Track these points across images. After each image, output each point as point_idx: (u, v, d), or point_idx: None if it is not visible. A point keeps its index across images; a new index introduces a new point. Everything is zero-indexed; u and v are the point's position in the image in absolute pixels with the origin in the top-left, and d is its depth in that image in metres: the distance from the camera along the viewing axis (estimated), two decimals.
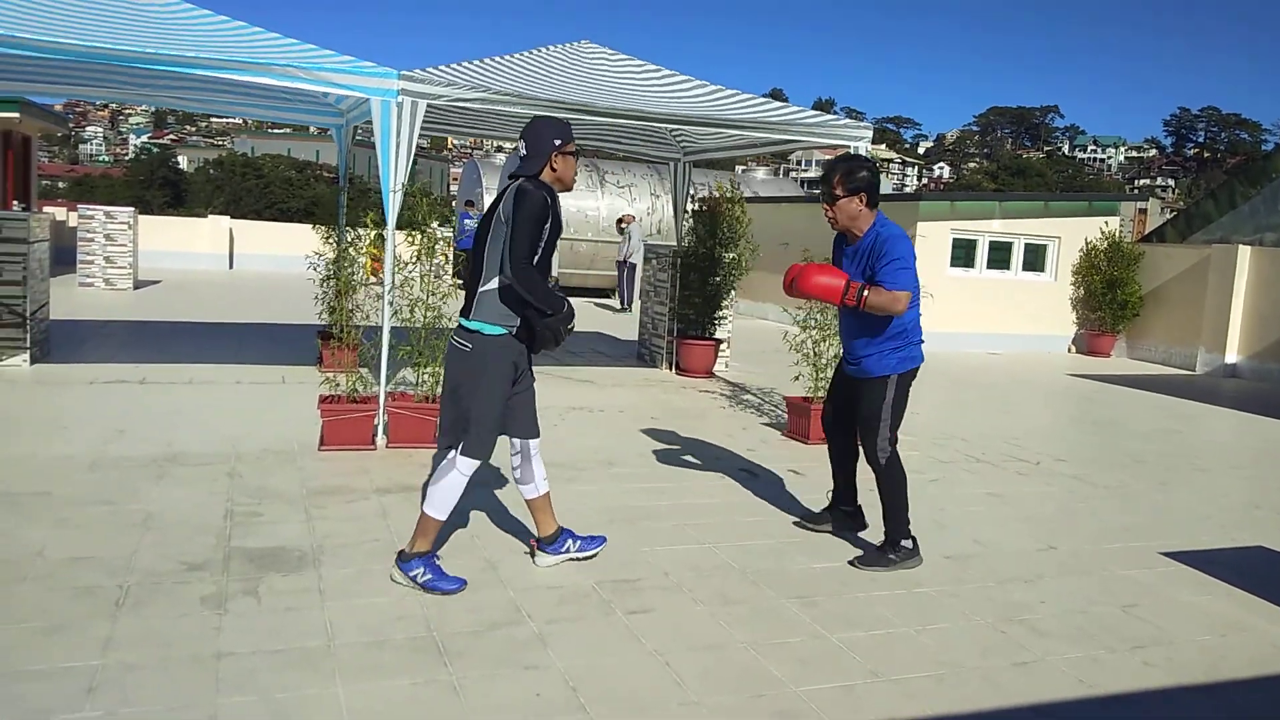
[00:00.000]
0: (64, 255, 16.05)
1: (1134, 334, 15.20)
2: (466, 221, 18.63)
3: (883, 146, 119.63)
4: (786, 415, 7.89)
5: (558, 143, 3.98)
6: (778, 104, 8.60)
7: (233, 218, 24.62)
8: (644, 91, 7.96)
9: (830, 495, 5.19)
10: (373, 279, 8.27)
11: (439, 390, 6.43)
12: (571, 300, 4.03)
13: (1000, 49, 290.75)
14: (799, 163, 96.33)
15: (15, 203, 16.17)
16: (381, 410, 6.30)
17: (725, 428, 7.74)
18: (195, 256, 21.55)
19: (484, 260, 3.95)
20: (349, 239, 8.71)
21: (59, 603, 3.63)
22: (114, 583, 3.85)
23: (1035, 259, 15.45)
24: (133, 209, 16.56)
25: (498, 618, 3.77)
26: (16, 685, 3.03)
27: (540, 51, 8.35)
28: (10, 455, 5.60)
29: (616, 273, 18.90)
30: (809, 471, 6.43)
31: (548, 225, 3.91)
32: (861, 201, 4.45)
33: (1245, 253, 13.75)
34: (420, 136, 6.60)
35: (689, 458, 6.62)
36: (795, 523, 5.25)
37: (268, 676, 3.19)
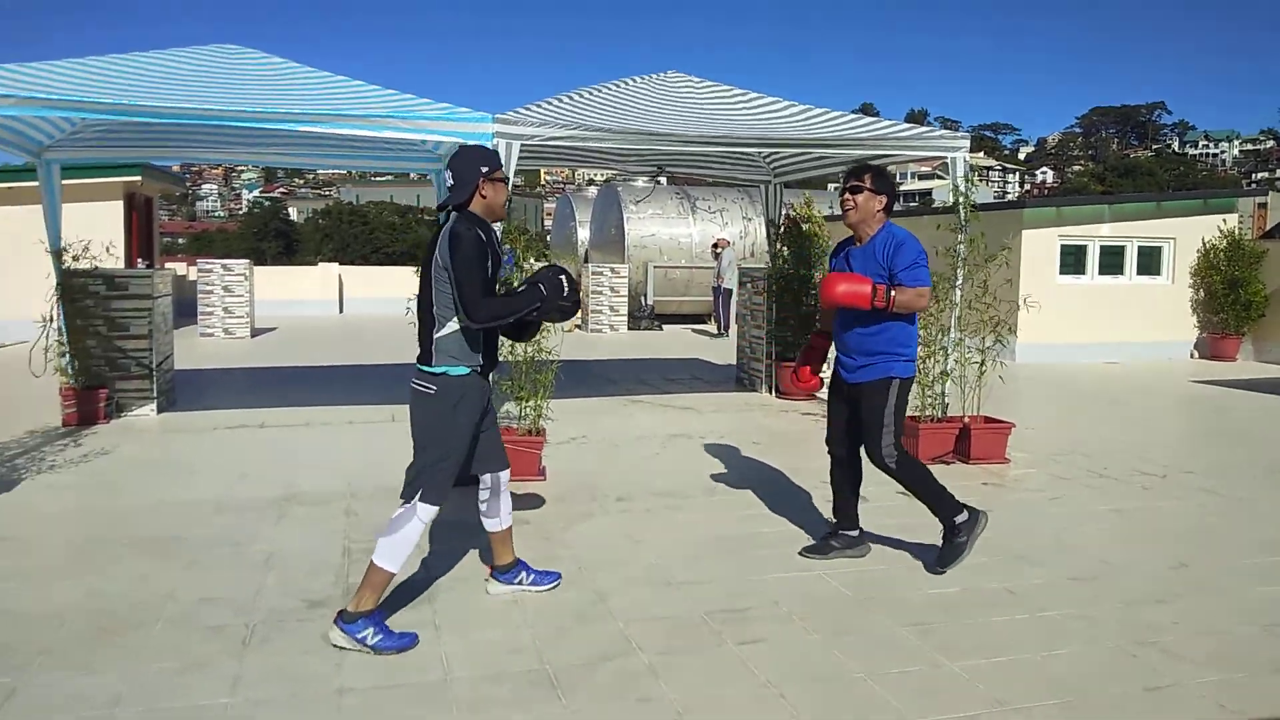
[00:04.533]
0: (185, 308, 16.89)
1: (1260, 335, 14.41)
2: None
3: (981, 154, 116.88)
4: None
5: (485, 170, 3.87)
6: (868, 119, 8.51)
7: (341, 264, 25.56)
8: (732, 116, 7.97)
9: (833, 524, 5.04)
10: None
11: (540, 423, 6.55)
12: (565, 295, 3.90)
13: (1099, 48, 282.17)
14: (896, 176, 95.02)
15: (140, 260, 17.08)
16: None
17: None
18: (307, 303, 22.40)
19: (433, 306, 3.81)
20: None
21: (191, 642, 3.80)
22: (241, 621, 4.01)
23: (1150, 262, 14.81)
24: (248, 260, 17.31)
25: (609, 650, 3.78)
26: None
27: (627, 83, 8.41)
28: (144, 502, 5.89)
29: (712, 298, 18.90)
30: None
31: (489, 262, 3.79)
32: (882, 203, 4.58)
33: None
34: (515, 174, 6.74)
35: (792, 482, 6.53)
36: (800, 552, 4.98)
37: (389, 711, 3.27)
